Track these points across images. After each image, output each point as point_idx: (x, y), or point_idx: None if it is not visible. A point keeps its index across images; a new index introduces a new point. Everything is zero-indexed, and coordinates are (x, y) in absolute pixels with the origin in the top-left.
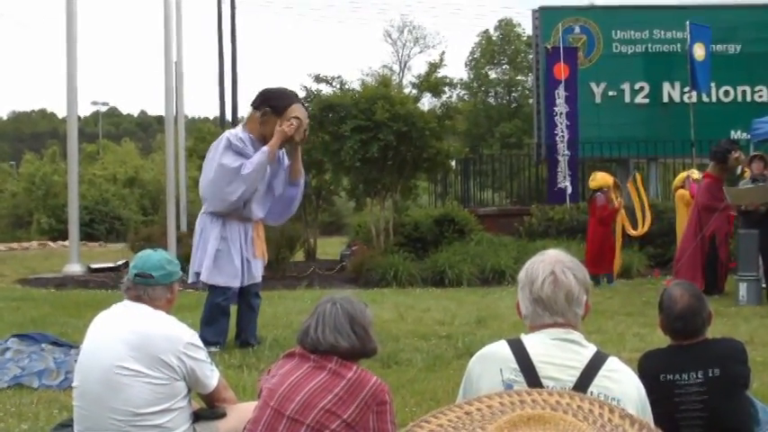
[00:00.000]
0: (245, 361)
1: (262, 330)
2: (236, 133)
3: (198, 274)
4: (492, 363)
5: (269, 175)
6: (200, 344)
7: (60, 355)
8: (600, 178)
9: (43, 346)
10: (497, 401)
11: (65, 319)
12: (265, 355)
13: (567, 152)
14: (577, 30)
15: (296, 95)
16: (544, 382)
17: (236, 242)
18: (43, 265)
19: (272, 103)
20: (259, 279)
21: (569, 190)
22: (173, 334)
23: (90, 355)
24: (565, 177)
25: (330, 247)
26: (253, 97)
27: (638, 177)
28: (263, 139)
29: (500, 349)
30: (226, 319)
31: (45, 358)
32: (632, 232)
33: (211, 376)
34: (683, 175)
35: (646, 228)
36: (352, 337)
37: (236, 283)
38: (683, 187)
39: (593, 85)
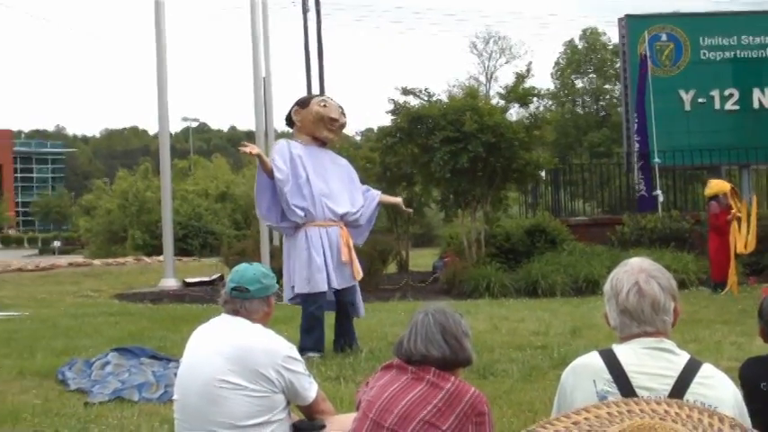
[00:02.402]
0: (342, 373)
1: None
2: (288, 142)
3: (293, 288)
4: (585, 374)
5: (338, 174)
6: (299, 356)
7: (159, 369)
8: (715, 185)
9: (142, 359)
10: (605, 411)
11: (162, 333)
12: (361, 367)
13: (656, 160)
14: (664, 37)
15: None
16: (638, 392)
17: (318, 247)
18: (139, 280)
19: (298, 102)
20: (352, 283)
21: (661, 198)
22: (271, 347)
23: (190, 368)
24: (642, 185)
25: (422, 259)
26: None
27: (755, 199)
28: (314, 140)
29: (593, 360)
30: (321, 325)
31: (144, 372)
32: (740, 248)
33: (310, 388)
34: None
35: (750, 248)
36: (444, 346)
37: (323, 287)
38: None
39: (681, 92)
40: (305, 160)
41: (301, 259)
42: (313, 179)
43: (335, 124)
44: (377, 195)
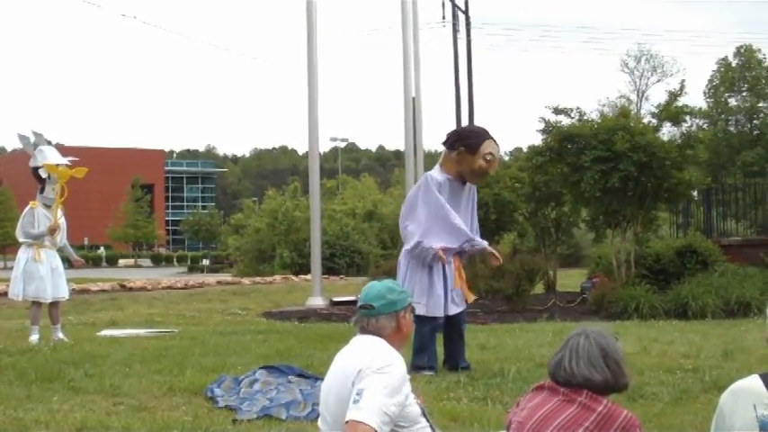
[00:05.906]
0: (489, 394)
1: (504, 363)
2: (435, 176)
3: None
4: (745, 398)
5: (469, 208)
6: (392, 376)
7: (307, 387)
8: None
9: (290, 377)
10: None
11: (309, 352)
12: (509, 388)
13: None
14: None
15: (487, 132)
16: None
17: (440, 275)
18: (286, 299)
19: (467, 141)
20: (463, 307)
21: None
22: (370, 358)
23: (326, 388)
24: None
25: (569, 279)
26: (447, 136)
27: None
28: (460, 178)
29: (753, 384)
30: (434, 345)
31: (292, 390)
32: None
33: (360, 408)
34: None
35: None
36: (606, 371)
37: (438, 313)
38: None
39: None
40: (445, 198)
41: (422, 284)
42: None
43: (485, 178)
44: (483, 245)
